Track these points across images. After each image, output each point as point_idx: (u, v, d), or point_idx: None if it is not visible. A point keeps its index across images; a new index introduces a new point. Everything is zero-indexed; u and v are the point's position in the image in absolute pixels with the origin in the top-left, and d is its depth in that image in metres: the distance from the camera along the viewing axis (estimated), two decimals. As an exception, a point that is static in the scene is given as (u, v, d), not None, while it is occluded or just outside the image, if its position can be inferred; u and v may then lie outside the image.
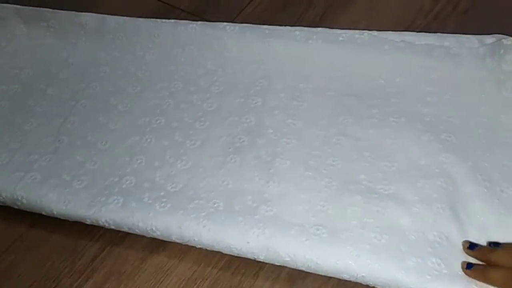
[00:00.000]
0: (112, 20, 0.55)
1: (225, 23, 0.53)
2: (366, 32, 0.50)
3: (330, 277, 0.39)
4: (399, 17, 0.55)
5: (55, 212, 0.43)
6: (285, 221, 0.40)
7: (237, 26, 0.53)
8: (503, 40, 0.44)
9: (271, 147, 0.45)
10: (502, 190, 0.39)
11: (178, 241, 0.41)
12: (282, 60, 0.51)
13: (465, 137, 0.43)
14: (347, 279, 0.38)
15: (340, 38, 0.50)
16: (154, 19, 0.55)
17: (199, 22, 0.55)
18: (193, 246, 0.41)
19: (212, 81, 0.51)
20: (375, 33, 0.50)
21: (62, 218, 0.43)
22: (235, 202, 0.42)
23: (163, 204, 0.42)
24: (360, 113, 0.46)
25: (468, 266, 0.36)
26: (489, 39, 0.46)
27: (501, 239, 0.37)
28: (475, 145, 0.42)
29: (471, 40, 0.47)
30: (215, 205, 0.42)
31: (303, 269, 0.39)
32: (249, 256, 0.40)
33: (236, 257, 0.40)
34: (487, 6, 0.54)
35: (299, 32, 0.51)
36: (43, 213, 0.43)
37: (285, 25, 0.54)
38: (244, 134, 0.46)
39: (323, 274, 0.38)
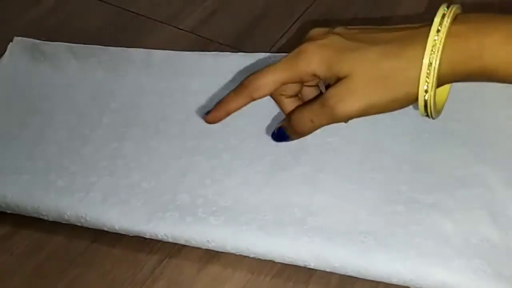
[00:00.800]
0: (157, 54, 0.60)
1: (263, 53, 0.58)
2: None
3: (379, 282, 0.41)
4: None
5: (116, 227, 0.46)
6: (332, 230, 0.43)
7: (277, 56, 0.57)
8: None
9: (314, 163, 0.48)
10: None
11: (232, 251, 0.44)
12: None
13: (496, 150, 0.46)
14: (395, 283, 0.40)
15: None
16: (197, 52, 0.60)
17: (239, 53, 0.59)
18: (246, 256, 0.44)
19: (255, 107, 0.55)
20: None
21: (122, 233, 0.46)
22: (283, 214, 0.45)
23: (216, 218, 0.45)
24: (396, 131, 0.49)
25: None
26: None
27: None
28: (507, 156, 0.45)
29: None
30: (266, 217, 0.45)
31: (353, 274, 0.41)
32: (300, 263, 0.42)
33: (287, 265, 0.43)
34: None
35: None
36: (105, 229, 0.47)
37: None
38: (288, 153, 0.50)
39: (372, 279, 0.41)
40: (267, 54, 0.57)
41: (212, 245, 0.44)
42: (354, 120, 0.51)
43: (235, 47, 0.64)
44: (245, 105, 0.38)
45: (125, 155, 0.52)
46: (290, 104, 0.39)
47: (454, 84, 0.50)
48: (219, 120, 0.39)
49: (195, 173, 0.50)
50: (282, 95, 0.39)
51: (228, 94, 0.38)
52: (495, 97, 0.49)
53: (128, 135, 0.54)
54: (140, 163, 0.51)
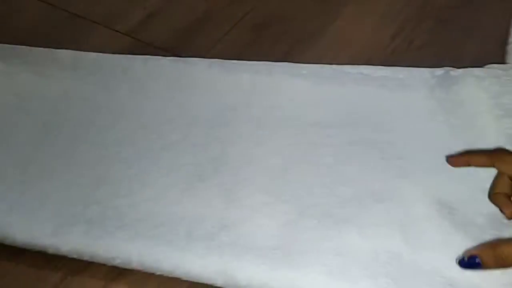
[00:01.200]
0: (85, 56, 0.57)
1: (195, 58, 0.56)
2: (327, 66, 0.52)
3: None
4: (360, 53, 0.57)
5: (18, 241, 0.43)
6: (243, 246, 0.41)
7: (206, 61, 0.55)
8: (450, 72, 0.47)
9: (234, 175, 0.46)
10: (450, 211, 0.41)
11: (138, 268, 0.42)
12: (247, 92, 0.53)
13: (418, 162, 0.44)
14: (302, 302, 0.38)
15: (303, 72, 0.52)
16: (126, 55, 0.57)
17: (170, 58, 0.57)
18: (153, 273, 0.41)
19: (180, 112, 0.53)
20: (335, 66, 0.52)
21: (25, 247, 0.43)
22: (195, 228, 0.43)
23: (125, 232, 0.43)
24: (320, 141, 0.48)
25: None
26: (439, 71, 0.49)
27: (450, 259, 0.38)
28: (428, 170, 0.44)
29: (423, 72, 0.49)
30: (175, 232, 0.43)
31: (260, 292, 0.39)
32: (207, 281, 0.40)
33: (196, 282, 0.41)
34: (440, 42, 0.57)
35: (264, 66, 0.53)
36: (7, 242, 0.44)
37: (253, 60, 0.56)
38: (208, 163, 0.48)
39: (278, 297, 0.39)
40: (196, 59, 0.55)
41: (118, 262, 0.42)
42: (280, 130, 0.50)
43: (171, 51, 0.62)
44: (484, 165, 0.39)
45: (39, 162, 0.49)
46: (503, 183, 0.38)
47: (381, 94, 0.50)
48: (460, 165, 0.40)
49: (111, 183, 0.47)
50: (506, 174, 0.38)
51: (477, 152, 0.39)
52: (419, 110, 0.48)
53: (46, 141, 0.52)
54: (53, 171, 0.48)
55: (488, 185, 0.41)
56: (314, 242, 0.40)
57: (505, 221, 0.40)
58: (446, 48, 0.57)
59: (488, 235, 0.39)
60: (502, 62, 0.51)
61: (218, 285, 0.40)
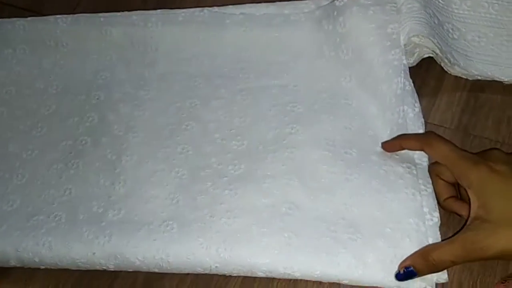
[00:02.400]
0: None
1: (57, 16, 0.49)
2: (205, 9, 0.47)
3: (188, 273, 0.37)
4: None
5: None
6: (133, 223, 0.37)
7: (69, 17, 0.48)
8: (335, 1, 0.43)
9: (117, 145, 0.42)
10: (346, 151, 0.39)
11: (18, 265, 0.37)
12: (123, 48, 0.47)
13: (310, 104, 0.42)
14: (201, 272, 0.36)
15: (180, 18, 0.47)
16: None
17: (28, 18, 0.49)
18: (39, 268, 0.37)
19: (49, 81, 0.46)
20: (215, 9, 0.47)
21: None
22: (79, 211, 0.38)
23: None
24: (209, 94, 0.44)
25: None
26: (324, 1, 0.45)
27: (350, 198, 0.37)
28: (320, 110, 0.41)
29: (308, 5, 0.46)
30: (57, 218, 0.38)
31: (156, 270, 0.36)
32: (98, 267, 0.37)
33: (88, 270, 0.37)
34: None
35: (136, 16, 0.47)
36: None
37: (130, 9, 0.50)
38: (87, 135, 0.43)
39: (177, 272, 0.36)
40: (58, 16, 0.48)
41: (-7, 259, 0.37)
42: (165, 87, 0.45)
43: (33, 10, 0.53)
44: (417, 149, 0.38)
45: None
46: (443, 188, 0.37)
47: (267, 34, 0.46)
48: (393, 150, 0.39)
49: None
50: (438, 176, 0.37)
51: (409, 136, 0.38)
52: (308, 47, 0.45)
53: None
54: None
55: (378, 123, 0.40)
56: (209, 206, 0.37)
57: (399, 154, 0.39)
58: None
59: (383, 171, 0.38)
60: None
61: (111, 269, 0.37)
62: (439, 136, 0.37)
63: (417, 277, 0.34)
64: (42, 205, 0.39)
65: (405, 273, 0.34)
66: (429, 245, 0.35)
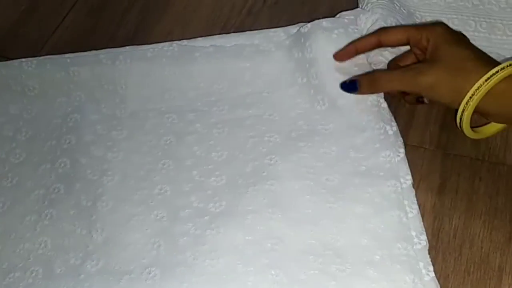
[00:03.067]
0: None
1: (21, 59, 0.47)
2: (174, 43, 0.47)
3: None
4: (212, 19, 0.53)
5: None
6: (113, 273, 0.36)
7: (34, 60, 0.47)
8: (301, 29, 0.43)
9: (91, 190, 0.40)
10: (327, 178, 0.38)
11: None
12: (92, 88, 0.46)
13: (287, 132, 0.41)
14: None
15: (149, 54, 0.46)
16: None
17: (-10, 63, 0.48)
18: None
19: (17, 128, 0.45)
20: (184, 42, 0.47)
21: None
22: (56, 264, 0.37)
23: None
24: (183, 130, 0.43)
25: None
26: (292, 29, 0.45)
27: (333, 227, 0.37)
28: (298, 138, 0.41)
29: (278, 34, 0.46)
30: (33, 274, 0.36)
31: (142, 321, 0.35)
32: (79, 323, 0.35)
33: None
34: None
35: (103, 55, 0.46)
36: None
37: (97, 48, 0.49)
38: (60, 182, 0.41)
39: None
40: (22, 60, 0.47)
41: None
42: (138, 125, 0.44)
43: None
44: (372, 46, 0.41)
45: None
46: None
47: (239, 65, 0.45)
48: (348, 57, 0.42)
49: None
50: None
51: (361, 38, 0.42)
52: (280, 75, 0.44)
53: None
54: None
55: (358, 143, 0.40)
56: (191, 248, 0.36)
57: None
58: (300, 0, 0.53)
59: (367, 194, 0.38)
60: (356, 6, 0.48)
61: (93, 323, 0.35)
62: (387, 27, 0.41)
63: (357, 93, 0.40)
64: (18, 261, 0.37)
65: (349, 85, 0.40)
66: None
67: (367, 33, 0.43)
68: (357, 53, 0.41)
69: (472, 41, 0.45)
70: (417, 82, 0.37)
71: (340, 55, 0.42)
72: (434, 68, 0.37)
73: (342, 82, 0.40)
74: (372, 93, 0.40)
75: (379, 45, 0.41)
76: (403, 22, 0.45)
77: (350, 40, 0.42)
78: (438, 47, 0.37)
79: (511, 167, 0.40)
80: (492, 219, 0.38)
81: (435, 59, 0.37)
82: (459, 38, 0.39)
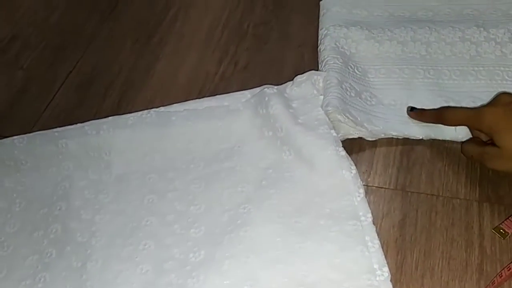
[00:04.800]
0: None
1: (13, 137, 0.52)
2: (152, 111, 0.51)
3: None
4: (189, 86, 0.57)
5: None
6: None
7: (25, 137, 0.51)
8: (265, 89, 0.49)
9: (81, 252, 0.43)
10: (296, 221, 0.42)
11: None
12: (79, 157, 0.50)
13: (258, 181, 0.45)
14: None
15: (130, 122, 0.50)
16: None
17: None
18: None
19: (12, 199, 0.48)
20: (161, 109, 0.51)
21: None
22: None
23: None
24: (164, 188, 0.47)
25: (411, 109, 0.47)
26: (257, 90, 0.50)
27: (304, 266, 0.39)
28: (268, 186, 0.45)
29: (245, 95, 0.51)
30: None
31: None
32: None
33: None
34: (262, 58, 0.59)
35: (88, 126, 0.51)
36: None
37: (85, 120, 0.53)
38: (52, 247, 0.44)
39: None
40: (13, 138, 0.51)
41: None
42: (122, 188, 0.48)
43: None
44: (433, 121, 0.47)
45: None
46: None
47: (211, 125, 0.50)
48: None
49: None
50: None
51: (429, 110, 0.47)
52: (249, 131, 0.49)
53: None
54: None
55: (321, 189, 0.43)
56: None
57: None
58: (268, 62, 0.58)
59: (333, 233, 0.41)
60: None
61: None
62: (449, 107, 0.46)
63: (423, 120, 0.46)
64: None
65: (417, 109, 0.46)
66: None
67: (324, 93, 0.48)
68: (419, 119, 0.47)
69: (422, 86, 0.50)
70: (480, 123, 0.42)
71: (412, 115, 0.48)
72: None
73: (410, 107, 0.47)
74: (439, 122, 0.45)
75: (441, 122, 0.46)
76: (355, 86, 0.50)
77: (310, 104, 0.47)
78: (498, 135, 0.41)
79: (464, 200, 0.44)
80: (449, 249, 0.41)
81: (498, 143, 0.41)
82: None
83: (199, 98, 0.54)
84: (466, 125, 0.45)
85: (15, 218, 0.47)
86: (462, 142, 0.46)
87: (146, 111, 0.52)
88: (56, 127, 0.53)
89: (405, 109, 0.49)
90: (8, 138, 0.51)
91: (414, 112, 0.47)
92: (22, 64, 0.63)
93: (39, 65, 0.63)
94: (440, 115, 0.45)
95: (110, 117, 0.52)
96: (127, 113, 0.53)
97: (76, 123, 0.53)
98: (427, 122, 0.47)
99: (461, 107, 0.46)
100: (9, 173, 0.50)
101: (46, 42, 0.65)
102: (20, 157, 0.50)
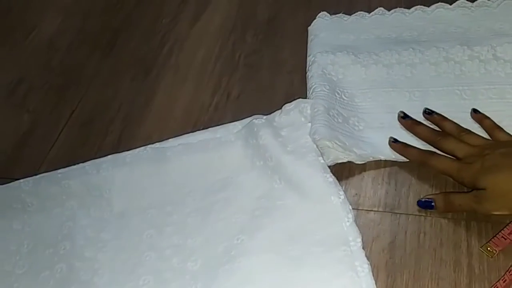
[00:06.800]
0: None
1: (19, 180, 0.54)
2: (148, 147, 0.53)
3: None
4: (185, 118, 0.59)
5: None
6: None
7: (31, 180, 0.54)
8: (254, 120, 0.50)
9: (89, 269, 0.45)
10: (289, 249, 0.43)
11: None
12: (81, 196, 0.52)
13: (251, 211, 0.47)
14: None
15: (128, 159, 0.53)
16: None
17: (-4, 185, 0.55)
18: None
19: (20, 241, 0.51)
20: (156, 145, 0.54)
21: None
22: None
23: None
24: (162, 222, 0.48)
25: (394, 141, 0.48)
26: (247, 121, 0.52)
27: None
28: (261, 216, 0.46)
29: (236, 126, 0.52)
30: None
31: None
32: None
33: None
34: (253, 87, 0.61)
35: (89, 166, 0.53)
36: None
37: (88, 159, 0.56)
38: (57, 286, 0.46)
39: None
40: (20, 181, 0.53)
41: None
42: (123, 224, 0.50)
43: (3, 176, 0.59)
44: (418, 161, 0.47)
45: None
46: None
47: (205, 157, 0.51)
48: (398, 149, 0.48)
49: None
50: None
51: (414, 148, 0.47)
52: (241, 161, 0.50)
53: None
54: None
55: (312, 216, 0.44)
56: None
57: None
58: (260, 91, 0.60)
59: (325, 260, 0.42)
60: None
61: None
62: (434, 153, 0.45)
63: (434, 209, 0.44)
64: None
65: (425, 203, 0.44)
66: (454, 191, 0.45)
67: (312, 121, 0.49)
68: (401, 154, 0.48)
69: (409, 108, 0.51)
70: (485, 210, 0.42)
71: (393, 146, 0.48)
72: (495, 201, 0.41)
73: (418, 200, 0.45)
74: (448, 212, 0.44)
75: (425, 164, 0.46)
76: (342, 112, 0.51)
77: (299, 132, 0.49)
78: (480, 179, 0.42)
79: (452, 219, 0.45)
80: (438, 270, 0.42)
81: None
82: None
83: (194, 130, 0.56)
84: (449, 176, 0.45)
85: (23, 260, 0.49)
86: (446, 193, 0.45)
87: (142, 147, 0.54)
88: (61, 167, 0.55)
89: (393, 132, 0.50)
90: (15, 182, 0.54)
91: (397, 145, 0.48)
92: (28, 106, 0.66)
93: (45, 106, 0.65)
94: (425, 160, 0.46)
95: (109, 156, 0.54)
96: (127, 150, 0.55)
97: (80, 162, 0.55)
98: (409, 159, 0.47)
99: (446, 157, 0.45)
100: (17, 215, 0.52)
101: (50, 83, 0.68)
102: (26, 199, 0.52)
